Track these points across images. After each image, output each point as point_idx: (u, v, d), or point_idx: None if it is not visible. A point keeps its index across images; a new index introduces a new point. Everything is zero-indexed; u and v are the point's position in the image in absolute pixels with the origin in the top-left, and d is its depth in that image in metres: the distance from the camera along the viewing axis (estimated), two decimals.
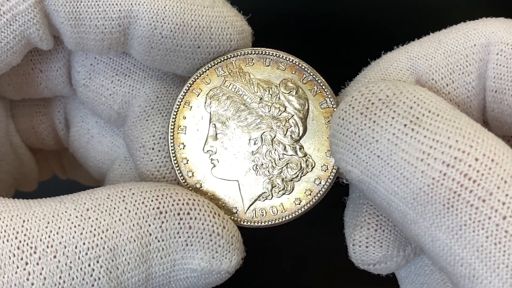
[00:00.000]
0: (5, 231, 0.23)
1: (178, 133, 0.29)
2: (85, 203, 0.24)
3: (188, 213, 0.25)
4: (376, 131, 0.23)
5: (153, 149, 0.29)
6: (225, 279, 0.26)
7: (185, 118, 0.29)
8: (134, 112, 0.30)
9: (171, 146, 0.29)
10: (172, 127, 0.29)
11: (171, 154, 0.29)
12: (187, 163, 0.29)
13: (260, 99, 0.29)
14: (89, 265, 0.23)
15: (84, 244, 0.23)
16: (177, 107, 0.29)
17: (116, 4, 0.26)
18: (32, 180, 0.36)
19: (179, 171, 0.29)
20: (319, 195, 0.28)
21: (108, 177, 0.34)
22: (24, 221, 0.23)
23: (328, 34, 0.48)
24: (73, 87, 0.32)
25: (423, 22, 0.49)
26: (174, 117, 0.29)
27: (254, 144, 0.29)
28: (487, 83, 0.27)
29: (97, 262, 0.23)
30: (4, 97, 0.32)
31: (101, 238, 0.24)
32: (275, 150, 0.29)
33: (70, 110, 0.34)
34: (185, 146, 0.29)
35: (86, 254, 0.23)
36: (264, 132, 0.29)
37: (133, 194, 0.25)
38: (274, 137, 0.29)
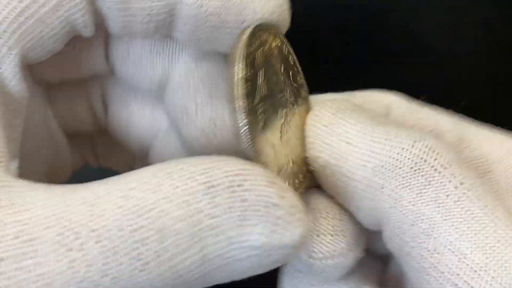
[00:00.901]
0: (45, 218, 0.21)
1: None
2: (128, 183, 0.23)
3: (241, 185, 0.23)
4: (346, 125, 0.27)
5: (196, 115, 0.30)
6: (291, 255, 0.24)
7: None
8: (173, 81, 0.31)
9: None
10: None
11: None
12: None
13: None
14: (135, 248, 0.21)
15: (129, 226, 0.21)
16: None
17: None
18: (65, 170, 0.36)
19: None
20: None
21: (151, 151, 0.34)
22: (66, 206, 0.22)
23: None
24: (111, 64, 0.32)
25: (423, 25, 0.50)
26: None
27: None
28: None
29: (144, 245, 0.21)
30: (42, 82, 0.32)
31: (147, 218, 0.22)
32: None
33: (107, 90, 0.34)
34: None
35: (133, 236, 0.21)
36: None
37: (180, 169, 0.23)
38: None
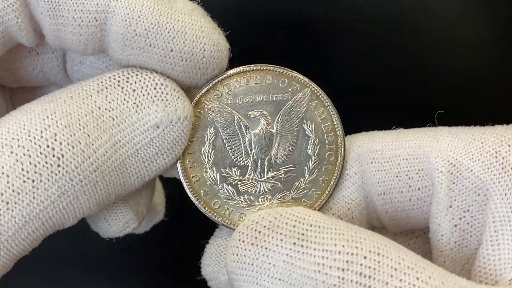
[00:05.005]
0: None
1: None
2: (30, 106, 0.26)
3: (127, 80, 0.27)
4: (270, 257, 0.26)
5: None
6: (187, 129, 0.28)
7: None
8: None
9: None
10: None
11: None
12: None
13: None
14: (47, 146, 0.25)
15: (36, 129, 0.25)
16: None
17: None
18: None
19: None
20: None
21: None
22: None
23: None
24: (67, 72, 0.33)
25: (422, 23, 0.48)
26: None
27: None
28: (373, 189, 0.30)
29: (55, 140, 0.25)
30: (2, 86, 0.33)
31: (51, 119, 0.25)
32: None
33: None
34: None
35: (41, 136, 0.25)
36: None
37: (74, 86, 0.27)
38: None
